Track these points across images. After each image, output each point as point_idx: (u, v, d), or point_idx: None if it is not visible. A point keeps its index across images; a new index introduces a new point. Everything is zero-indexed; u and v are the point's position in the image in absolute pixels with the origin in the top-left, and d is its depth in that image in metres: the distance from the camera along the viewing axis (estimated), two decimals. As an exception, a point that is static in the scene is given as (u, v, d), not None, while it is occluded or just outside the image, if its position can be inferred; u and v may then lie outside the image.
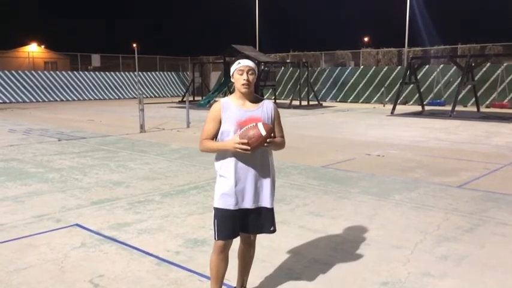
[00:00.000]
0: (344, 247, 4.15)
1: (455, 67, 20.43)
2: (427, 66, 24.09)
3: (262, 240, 4.28)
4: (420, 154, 9.12)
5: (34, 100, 27.81)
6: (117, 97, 31.61)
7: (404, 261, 3.83)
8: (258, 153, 2.78)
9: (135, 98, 29.51)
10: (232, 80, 2.88)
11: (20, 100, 27.27)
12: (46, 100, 28.26)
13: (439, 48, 27.93)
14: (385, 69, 26.14)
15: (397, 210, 5.31)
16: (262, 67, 24.35)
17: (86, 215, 5.12)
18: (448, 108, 18.53)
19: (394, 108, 18.91)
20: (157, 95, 33.67)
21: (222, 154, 2.82)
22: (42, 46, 43.46)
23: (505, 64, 22.21)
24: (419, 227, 4.67)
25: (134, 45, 35.77)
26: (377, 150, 9.54)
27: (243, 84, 2.79)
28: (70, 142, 10.85)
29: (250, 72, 2.80)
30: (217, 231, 2.83)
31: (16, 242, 4.29)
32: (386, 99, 24.32)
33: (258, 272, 3.59)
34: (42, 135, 12.05)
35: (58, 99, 28.80)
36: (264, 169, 2.86)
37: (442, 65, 24.04)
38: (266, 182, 2.88)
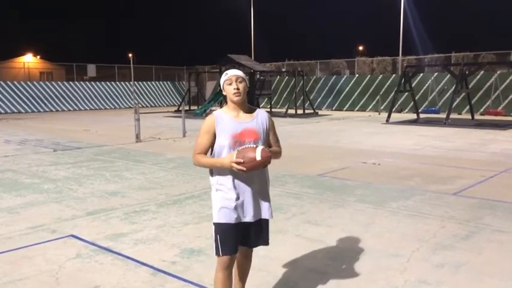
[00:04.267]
0: (341, 256, 4.14)
1: (449, 75, 20.56)
2: (421, 74, 24.23)
3: (258, 249, 4.25)
4: (416, 162, 9.14)
5: (29, 110, 27.74)
6: (112, 107, 31.57)
7: (401, 269, 3.82)
8: None
9: (131, 107, 29.48)
10: (224, 92, 2.83)
11: (16, 111, 27.20)
12: (41, 110, 28.20)
13: (433, 57, 28.12)
14: (380, 77, 26.28)
15: (393, 218, 5.31)
16: (258, 76, 24.43)
17: (81, 226, 5.09)
18: (443, 115, 18.62)
19: (389, 116, 18.98)
20: (153, 105, 33.67)
21: (218, 168, 2.77)
22: (38, 56, 43.48)
23: (498, 72, 22.38)
24: (415, 235, 4.67)
25: (130, 55, 35.81)
26: (373, 158, 9.57)
27: (234, 93, 2.75)
28: (65, 152, 10.81)
29: (239, 81, 2.77)
30: (220, 246, 2.77)
31: (11, 254, 4.25)
32: (382, 107, 24.42)
33: (255, 281, 3.57)
34: (37, 146, 12.01)
35: (54, 110, 28.74)
36: (262, 181, 2.85)
37: (436, 73, 24.19)
38: (265, 194, 2.87)
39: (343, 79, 27.58)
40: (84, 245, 4.48)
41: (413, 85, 21.06)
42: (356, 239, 4.60)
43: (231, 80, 2.77)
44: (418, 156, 9.92)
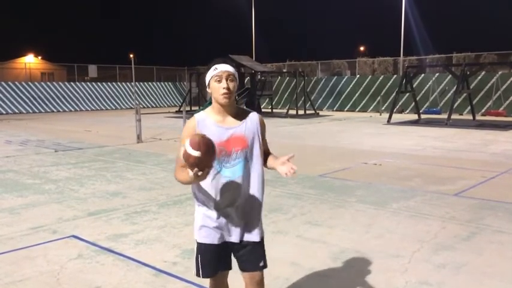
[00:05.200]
0: (341, 256, 4.15)
1: (450, 76, 20.54)
2: (422, 75, 24.23)
3: (259, 250, 4.27)
4: (417, 162, 9.14)
5: (31, 111, 27.77)
6: (114, 107, 31.60)
7: (401, 270, 3.82)
8: (245, 176, 2.38)
9: (132, 108, 29.50)
10: (208, 90, 2.36)
11: (17, 111, 27.23)
12: (43, 111, 28.23)
13: (434, 57, 28.11)
14: (381, 78, 26.27)
15: (394, 219, 5.31)
16: (259, 77, 24.44)
17: (82, 226, 5.10)
18: (444, 116, 18.61)
19: (390, 117, 18.98)
20: (154, 105, 33.70)
21: (198, 184, 2.38)
22: (39, 57, 43.54)
23: (499, 72, 22.37)
24: (416, 236, 4.67)
25: (131, 55, 35.84)
26: (374, 158, 9.56)
27: (222, 94, 2.29)
28: (67, 153, 10.83)
29: (230, 79, 2.31)
30: (201, 268, 2.47)
31: (12, 254, 4.26)
32: (383, 108, 24.41)
33: (256, 282, 3.58)
34: (38, 146, 12.03)
35: (55, 110, 28.78)
36: (252, 198, 2.43)
37: (437, 74, 24.18)
38: (255, 213, 2.48)
39: (344, 80, 27.57)
40: (86, 245, 4.49)
41: (414, 86, 21.06)
42: (357, 239, 4.60)
43: (220, 76, 2.30)
44: (419, 156, 9.91)
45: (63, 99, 29.32)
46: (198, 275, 2.51)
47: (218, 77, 2.30)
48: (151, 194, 6.58)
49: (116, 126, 18.51)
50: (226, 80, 2.30)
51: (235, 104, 2.41)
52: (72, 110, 29.56)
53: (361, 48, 41.57)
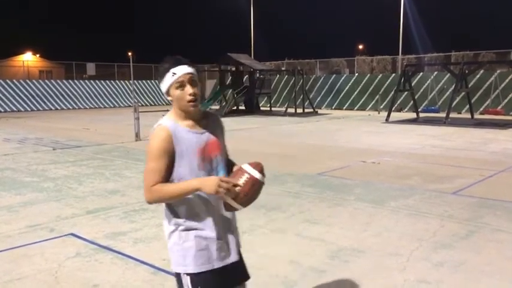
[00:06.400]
0: (340, 255, 4.15)
1: (449, 74, 20.56)
2: (421, 73, 24.24)
3: (258, 248, 4.27)
4: (415, 161, 9.15)
5: (29, 109, 27.71)
6: (112, 106, 31.56)
7: (400, 268, 3.82)
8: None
9: (130, 106, 29.47)
10: (168, 98, 2.05)
11: (15, 109, 27.17)
12: (41, 109, 28.17)
13: (432, 56, 28.14)
14: (379, 76, 26.27)
15: (392, 217, 5.31)
16: (258, 75, 24.42)
17: (81, 224, 5.09)
18: (443, 115, 18.62)
19: (389, 115, 18.98)
20: (152, 103, 33.65)
21: (184, 199, 2.02)
22: (37, 55, 43.51)
23: (498, 71, 22.38)
24: (415, 234, 4.68)
25: (129, 53, 35.78)
26: (372, 157, 9.57)
27: (189, 102, 2.00)
28: (65, 151, 10.81)
29: (193, 82, 2.02)
30: None
31: (10, 252, 4.25)
32: (381, 106, 24.42)
33: (254, 280, 3.57)
34: (37, 144, 12.00)
35: (53, 108, 28.72)
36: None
37: (436, 72, 24.20)
38: (235, 221, 2.23)
39: (343, 78, 27.57)
40: (84, 243, 4.48)
41: (413, 84, 21.06)
42: (355, 238, 4.60)
43: (182, 82, 2.00)
44: (418, 155, 9.92)
45: (61, 97, 29.27)
46: None
47: (179, 83, 2.00)
48: (150, 192, 6.57)
49: (114, 124, 18.48)
50: (190, 85, 2.01)
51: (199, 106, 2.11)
52: (71, 108, 29.50)
53: (360, 47, 41.63)
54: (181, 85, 2.00)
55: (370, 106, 26.01)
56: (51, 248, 4.33)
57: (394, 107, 20.50)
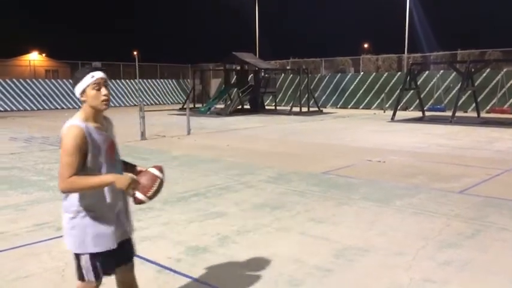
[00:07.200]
0: (345, 254, 4.14)
1: (455, 73, 20.45)
2: (427, 72, 24.13)
3: (262, 247, 4.28)
4: (421, 160, 9.12)
5: (35, 108, 27.86)
6: (118, 105, 31.64)
7: (406, 267, 3.81)
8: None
9: (135, 105, 29.54)
10: (82, 98, 2.37)
11: (21, 108, 27.32)
12: (47, 108, 28.31)
13: (438, 54, 27.99)
14: (385, 75, 26.19)
15: (398, 216, 5.30)
16: (263, 74, 24.41)
17: (87, 223, 5.11)
18: (449, 113, 18.53)
19: (394, 114, 18.92)
20: (158, 103, 33.72)
21: (103, 187, 2.38)
22: (43, 54, 43.73)
23: (504, 70, 22.24)
24: (420, 233, 4.66)
25: (135, 53, 35.95)
26: (378, 156, 9.54)
27: (103, 101, 2.37)
28: (71, 150, 10.84)
29: (106, 85, 2.40)
30: (102, 271, 2.46)
31: (17, 251, 4.28)
32: (387, 105, 24.34)
33: (260, 279, 3.59)
34: (43, 143, 12.07)
35: (59, 107, 28.85)
36: (126, 196, 2.56)
37: (442, 71, 24.07)
38: (129, 209, 2.63)
39: (348, 77, 27.50)
40: (90, 242, 4.50)
41: (418, 83, 20.97)
42: (361, 236, 4.59)
43: (99, 84, 2.36)
44: (423, 154, 9.89)
45: (67, 97, 29.39)
46: (97, 278, 2.46)
47: (97, 84, 2.35)
48: (155, 191, 6.58)
49: (120, 123, 18.53)
50: (105, 87, 2.38)
51: None
52: (77, 107, 29.45)
53: (365, 45, 41.51)
54: (98, 87, 2.35)
55: (375, 105, 25.93)
56: (58, 247, 4.35)
57: (399, 106, 20.44)
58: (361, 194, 6.33)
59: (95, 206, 2.38)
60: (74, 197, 2.36)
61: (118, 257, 2.52)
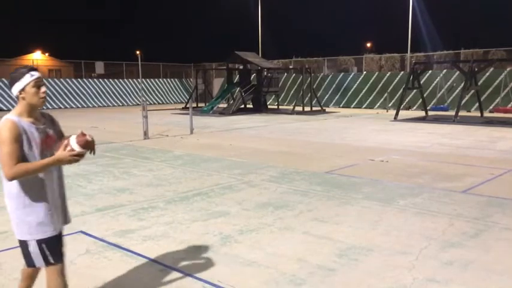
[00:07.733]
0: (348, 253, 4.14)
1: (458, 72, 20.42)
2: (430, 71, 24.08)
3: (266, 246, 4.28)
4: (424, 159, 9.10)
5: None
6: (120, 104, 31.72)
7: (409, 267, 3.81)
8: (58, 168, 2.68)
9: (138, 105, 29.58)
10: (21, 95, 2.54)
11: (24, 108, 27.38)
12: (50, 108, 28.38)
13: (441, 54, 27.90)
14: (388, 74, 26.15)
15: (401, 215, 5.29)
16: (265, 73, 24.40)
17: (90, 222, 5.13)
18: (452, 113, 18.50)
19: (397, 114, 18.90)
20: (160, 102, 33.77)
21: (28, 180, 2.51)
22: (46, 54, 43.81)
23: (508, 69, 22.18)
24: (423, 233, 4.66)
25: (138, 52, 35.94)
26: (381, 155, 9.53)
27: (42, 98, 2.58)
28: (74, 149, 10.87)
29: (43, 85, 2.61)
30: (51, 255, 2.64)
31: (18, 250, 4.28)
32: (390, 105, 24.30)
33: (262, 278, 3.59)
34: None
35: (62, 107, 28.93)
36: (62, 187, 2.77)
37: (445, 70, 24.02)
38: (65, 202, 2.82)
39: (351, 76, 27.48)
40: (93, 241, 4.52)
41: (421, 82, 20.94)
42: (364, 236, 4.59)
43: (38, 82, 2.57)
44: (426, 153, 9.87)
45: (70, 96, 29.48)
46: (53, 262, 2.64)
47: (36, 82, 2.55)
48: (158, 190, 6.61)
49: (123, 122, 18.57)
50: (43, 85, 2.60)
51: None
52: (79, 106, 29.70)
53: (368, 45, 41.44)
54: (38, 84, 2.55)
55: (378, 104, 25.90)
56: (61, 245, 4.37)
57: (402, 105, 20.42)
58: (364, 194, 6.32)
59: (32, 197, 2.54)
60: (15, 188, 2.51)
61: (61, 241, 2.74)
